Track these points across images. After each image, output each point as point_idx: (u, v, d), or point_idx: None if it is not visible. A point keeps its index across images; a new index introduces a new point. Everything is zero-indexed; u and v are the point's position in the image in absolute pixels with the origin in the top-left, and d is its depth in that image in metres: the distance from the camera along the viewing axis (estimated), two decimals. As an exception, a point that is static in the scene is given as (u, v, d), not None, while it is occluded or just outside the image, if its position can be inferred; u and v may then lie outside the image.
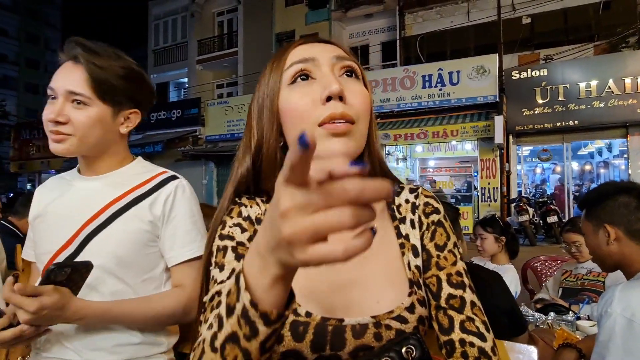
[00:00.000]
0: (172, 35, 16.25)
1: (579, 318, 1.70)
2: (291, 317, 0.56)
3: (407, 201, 0.67)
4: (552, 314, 1.73)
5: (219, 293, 0.53)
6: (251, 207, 0.64)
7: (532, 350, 0.75)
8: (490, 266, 2.26)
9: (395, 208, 0.67)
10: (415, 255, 0.63)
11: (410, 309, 0.58)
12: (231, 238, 0.61)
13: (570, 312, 1.81)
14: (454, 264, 0.62)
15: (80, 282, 0.83)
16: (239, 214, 0.63)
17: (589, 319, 1.73)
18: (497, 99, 9.07)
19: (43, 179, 17.66)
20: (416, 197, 0.67)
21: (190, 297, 0.92)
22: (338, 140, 0.56)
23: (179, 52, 15.90)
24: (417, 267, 0.62)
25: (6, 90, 30.23)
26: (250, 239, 0.61)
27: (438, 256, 0.62)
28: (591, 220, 1.20)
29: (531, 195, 9.76)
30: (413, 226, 0.65)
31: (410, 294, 0.59)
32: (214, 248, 0.61)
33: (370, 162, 0.65)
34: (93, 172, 0.98)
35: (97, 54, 0.91)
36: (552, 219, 7.73)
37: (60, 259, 0.91)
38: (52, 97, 0.91)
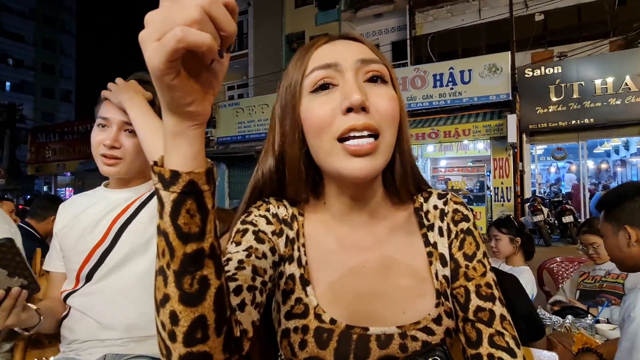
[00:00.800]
0: (183, 39, 16.43)
1: (598, 321, 1.66)
2: (315, 324, 0.55)
3: (435, 207, 0.65)
4: (569, 317, 1.69)
5: (229, 259, 0.53)
6: (278, 207, 0.64)
7: (554, 357, 0.72)
8: (505, 268, 2.22)
9: (423, 215, 0.64)
10: (444, 264, 0.61)
11: (437, 320, 0.57)
12: (254, 224, 0.60)
13: (589, 315, 1.76)
14: (484, 274, 0.59)
15: (14, 260, 0.81)
16: (267, 210, 0.63)
17: (608, 322, 1.69)
18: (510, 98, 8.94)
19: (59, 182, 18.04)
20: (445, 203, 0.65)
21: None
22: (361, 160, 0.54)
23: (190, 55, 16.07)
24: (445, 277, 0.60)
25: (23, 95, 30.97)
26: (273, 234, 0.60)
27: (467, 266, 0.59)
28: (610, 221, 1.17)
29: (545, 194, 9.59)
30: (441, 234, 0.63)
31: (437, 305, 0.58)
32: (234, 230, 0.60)
33: (401, 167, 0.62)
34: (122, 186, 1.10)
35: (146, 88, 1.02)
36: (567, 218, 7.58)
37: (97, 254, 1.01)
38: (102, 125, 1.03)
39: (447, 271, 0.60)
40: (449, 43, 10.99)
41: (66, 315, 1.05)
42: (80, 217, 1.07)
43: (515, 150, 8.92)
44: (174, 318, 0.39)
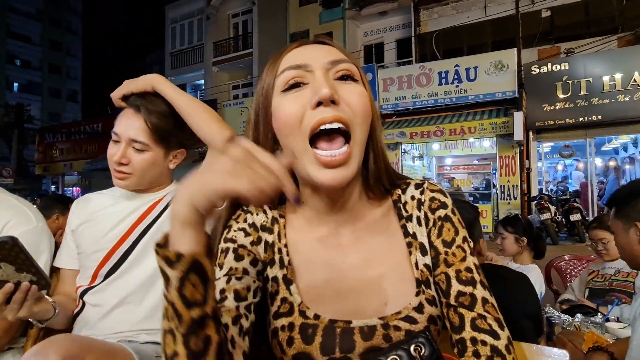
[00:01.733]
0: (188, 38, 16.48)
1: (607, 320, 1.64)
2: (300, 320, 0.58)
3: (412, 198, 0.65)
4: (579, 315, 1.68)
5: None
6: (257, 214, 0.66)
7: (564, 355, 0.72)
8: (513, 266, 2.20)
9: (401, 206, 0.65)
10: (424, 253, 0.62)
11: (419, 308, 0.58)
12: (233, 241, 0.63)
13: (599, 313, 1.74)
14: (463, 259, 0.59)
15: (19, 257, 0.81)
16: (245, 220, 0.65)
17: (618, 320, 1.67)
18: (516, 95, 8.87)
19: (66, 181, 18.19)
20: (422, 192, 0.65)
21: None
22: (332, 171, 0.55)
23: (195, 54, 16.12)
24: (426, 265, 0.61)
25: (30, 95, 31.29)
26: (252, 243, 0.63)
27: (446, 252, 0.60)
28: (621, 218, 1.16)
29: (553, 192, 9.50)
30: (419, 223, 0.63)
31: (417, 294, 0.59)
32: (218, 250, 0.63)
33: (374, 165, 0.63)
34: (139, 192, 1.12)
35: (154, 104, 1.04)
36: (575, 217, 7.50)
37: (118, 254, 1.04)
38: (115, 141, 1.06)
39: (427, 259, 0.61)
40: (455, 40, 10.92)
41: (80, 311, 1.06)
42: (100, 216, 1.10)
43: (522, 148, 8.85)
44: None
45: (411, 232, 0.63)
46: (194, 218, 0.43)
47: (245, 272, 0.60)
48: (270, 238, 0.64)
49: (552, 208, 7.68)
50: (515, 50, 9.04)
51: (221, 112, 13.14)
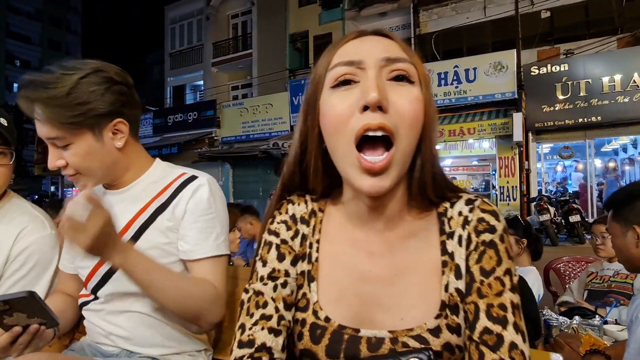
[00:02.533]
0: (188, 39, 16.48)
1: (606, 322, 1.64)
2: (312, 319, 0.58)
3: (460, 214, 0.60)
4: (577, 317, 1.67)
5: (261, 292, 0.59)
6: (299, 204, 0.66)
7: (559, 359, 0.71)
8: (511, 268, 2.20)
9: (446, 220, 0.60)
10: (458, 276, 0.57)
11: (435, 332, 0.54)
12: (277, 234, 0.64)
13: (597, 315, 1.74)
14: (499, 294, 0.53)
15: (34, 308, 0.79)
16: (287, 211, 0.65)
17: (617, 323, 1.67)
18: (516, 96, 8.87)
19: (66, 182, 18.16)
20: (471, 210, 0.59)
21: (216, 291, 0.92)
22: (373, 179, 0.53)
23: (194, 54, 16.12)
24: (457, 290, 0.56)
25: (30, 96, 31.16)
26: (293, 238, 0.64)
27: (482, 282, 0.54)
28: (619, 221, 1.16)
29: (552, 193, 9.50)
30: (460, 243, 0.58)
31: (438, 317, 0.55)
32: (262, 241, 0.64)
33: (420, 174, 0.58)
34: (116, 186, 1.00)
35: (45, 88, 0.85)
36: (574, 218, 7.50)
37: (101, 273, 0.96)
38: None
39: (461, 284, 0.56)
40: (454, 41, 10.92)
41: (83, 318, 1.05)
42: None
43: (521, 149, 8.85)
44: None
45: (449, 251, 0.58)
46: None
47: (287, 274, 0.61)
48: (306, 231, 0.64)
49: (552, 209, 7.67)
50: (514, 51, 9.04)
51: (220, 112, 13.14)
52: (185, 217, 0.95)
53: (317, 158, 0.60)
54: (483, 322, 0.52)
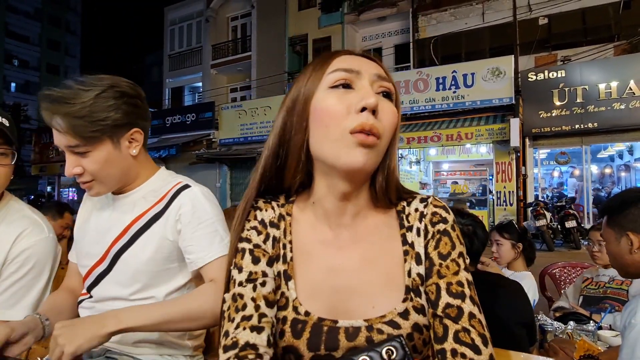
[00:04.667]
0: (187, 40, 16.50)
1: (600, 328, 1.65)
2: (292, 315, 0.61)
3: (416, 210, 0.68)
4: (571, 323, 1.68)
5: (240, 295, 0.61)
6: (266, 210, 0.69)
7: (553, 364, 0.72)
8: (507, 273, 2.21)
9: (404, 217, 0.68)
10: (418, 262, 0.64)
11: (404, 314, 0.60)
12: (248, 240, 0.67)
13: (591, 321, 1.75)
14: (456, 273, 0.61)
15: None
16: (255, 217, 0.69)
17: (611, 328, 1.67)
18: (513, 101, 8.92)
19: (62, 182, 18.10)
20: (425, 206, 0.68)
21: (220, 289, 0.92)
22: (364, 151, 0.58)
23: (194, 56, 16.13)
24: (419, 274, 0.63)
25: (28, 95, 31.12)
26: (264, 241, 0.67)
27: (440, 264, 0.62)
28: (613, 227, 1.16)
29: (548, 199, 9.55)
30: (419, 234, 0.66)
31: (404, 300, 0.61)
32: (234, 249, 0.67)
33: (384, 177, 0.66)
34: (119, 191, 1.03)
35: (65, 103, 0.89)
36: (570, 223, 7.53)
37: (95, 274, 0.99)
38: (65, 153, 0.96)
39: (421, 269, 0.63)
40: (452, 46, 10.98)
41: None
42: (91, 221, 1.06)
43: (518, 154, 8.89)
44: None
45: (409, 242, 0.65)
46: None
47: (265, 274, 0.64)
48: (277, 234, 0.67)
49: (548, 214, 7.71)
50: (512, 57, 9.10)
51: (219, 114, 13.14)
52: (183, 231, 0.96)
53: (301, 149, 0.64)
54: (445, 298, 0.59)
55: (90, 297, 1.01)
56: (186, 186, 1.01)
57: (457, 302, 0.58)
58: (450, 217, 0.67)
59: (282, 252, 0.66)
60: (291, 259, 0.66)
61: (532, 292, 2.09)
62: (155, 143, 13.92)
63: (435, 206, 0.67)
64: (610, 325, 1.72)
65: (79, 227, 1.09)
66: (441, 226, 0.65)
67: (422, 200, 0.69)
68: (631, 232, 1.10)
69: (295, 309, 0.61)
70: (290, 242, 0.67)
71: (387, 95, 0.64)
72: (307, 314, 0.61)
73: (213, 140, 13.35)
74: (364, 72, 0.62)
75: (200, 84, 16.20)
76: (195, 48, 16.14)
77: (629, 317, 0.97)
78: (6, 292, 1.06)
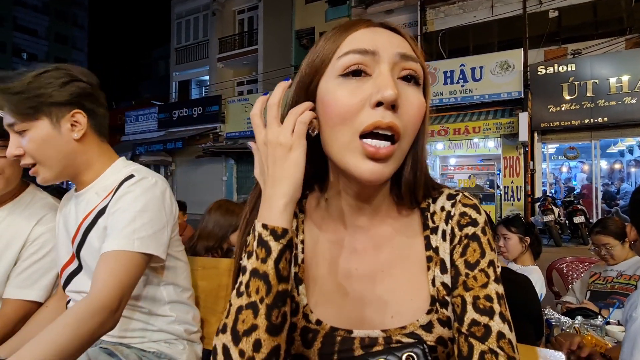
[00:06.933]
0: (194, 34, 16.49)
1: (608, 323, 1.63)
2: (302, 323, 0.57)
3: (442, 209, 0.60)
4: (579, 317, 1.67)
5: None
6: None
7: (561, 357, 0.72)
8: (514, 267, 2.20)
9: (429, 216, 0.60)
10: (443, 271, 0.57)
11: (427, 327, 0.54)
12: None
13: (599, 316, 1.74)
14: (485, 285, 0.53)
15: None
16: None
17: (619, 324, 1.66)
18: (522, 95, 8.82)
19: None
20: (453, 205, 0.59)
21: (94, 299, 0.80)
22: (374, 165, 0.51)
23: (200, 50, 16.13)
24: (443, 284, 0.56)
25: (36, 89, 31.30)
26: None
27: (467, 275, 0.54)
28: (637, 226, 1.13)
29: (557, 194, 9.46)
30: (444, 238, 0.58)
31: (429, 312, 0.55)
32: (243, 241, 0.61)
33: (410, 173, 0.58)
34: (80, 186, 1.03)
35: (6, 81, 0.90)
36: (578, 219, 7.47)
37: (67, 273, 1.00)
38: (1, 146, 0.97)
39: (446, 278, 0.56)
40: (461, 40, 10.85)
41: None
42: (60, 223, 1.05)
43: (526, 149, 8.81)
44: (257, 345, 0.47)
45: (434, 246, 0.58)
46: (292, 203, 0.51)
47: None
48: None
49: (556, 210, 7.64)
50: (521, 50, 8.98)
51: (225, 108, 13.16)
52: (111, 214, 0.92)
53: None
54: (470, 314, 0.52)
55: (69, 297, 1.02)
56: (130, 176, 0.96)
57: (484, 319, 0.51)
58: (482, 218, 0.58)
59: (293, 252, 0.61)
60: (302, 260, 0.60)
61: (539, 286, 2.08)
62: (162, 136, 14.00)
63: (465, 205, 0.59)
64: (618, 321, 1.70)
65: (57, 231, 1.08)
66: (470, 230, 0.57)
67: (450, 197, 0.60)
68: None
69: (305, 316, 0.57)
70: (302, 241, 0.62)
71: (412, 78, 0.53)
72: (318, 322, 0.56)
73: (219, 133, 13.39)
74: (382, 53, 0.52)
75: (206, 78, 16.22)
76: (201, 41, 16.13)
77: (630, 311, 0.97)
78: (25, 272, 1.08)
